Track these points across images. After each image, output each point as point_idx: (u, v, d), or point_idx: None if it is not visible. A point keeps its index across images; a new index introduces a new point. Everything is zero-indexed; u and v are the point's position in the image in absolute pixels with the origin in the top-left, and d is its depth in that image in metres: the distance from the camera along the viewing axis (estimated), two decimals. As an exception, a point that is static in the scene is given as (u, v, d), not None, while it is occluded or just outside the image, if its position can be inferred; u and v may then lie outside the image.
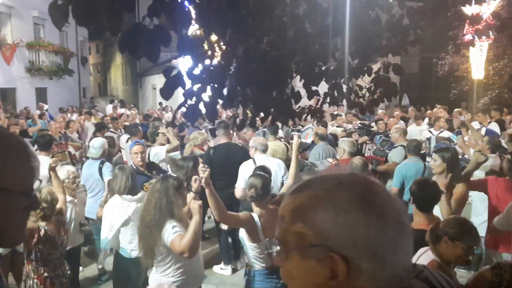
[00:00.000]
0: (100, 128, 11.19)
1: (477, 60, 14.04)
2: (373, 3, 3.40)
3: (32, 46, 21.26)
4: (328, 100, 3.29)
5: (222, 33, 2.00)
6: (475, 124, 10.76)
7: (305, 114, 3.29)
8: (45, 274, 3.94)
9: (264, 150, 6.11)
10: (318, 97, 3.25)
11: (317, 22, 3.29)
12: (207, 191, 3.67)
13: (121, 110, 18.81)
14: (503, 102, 14.03)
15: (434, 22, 3.40)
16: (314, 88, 3.18)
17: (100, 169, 6.20)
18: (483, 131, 10.14)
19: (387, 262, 0.90)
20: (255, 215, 3.93)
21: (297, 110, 3.21)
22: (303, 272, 0.94)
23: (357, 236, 0.89)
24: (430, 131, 10.17)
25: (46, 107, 18.52)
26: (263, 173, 4.60)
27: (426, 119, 12.48)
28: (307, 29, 3.31)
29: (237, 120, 2.86)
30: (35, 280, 3.91)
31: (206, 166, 3.72)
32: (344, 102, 3.73)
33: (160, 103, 22.18)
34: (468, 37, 11.65)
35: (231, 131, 7.12)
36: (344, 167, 4.88)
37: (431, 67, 20.40)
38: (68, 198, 4.76)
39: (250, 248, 3.95)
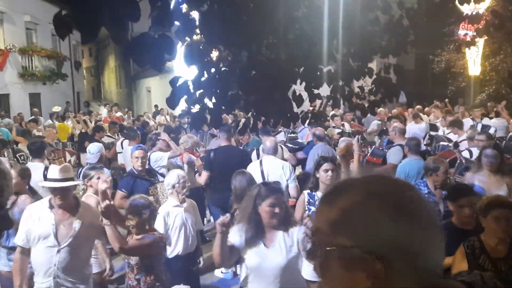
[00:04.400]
0: (96, 131, 11.14)
1: (473, 56, 14.12)
2: (372, 5, 3.38)
3: (24, 51, 21.15)
4: (330, 103, 3.27)
5: (225, 41, 1.97)
6: (468, 121, 10.80)
7: (308, 118, 3.26)
8: (148, 281, 3.92)
9: (270, 152, 6.09)
10: (321, 100, 3.23)
11: (316, 24, 3.28)
12: None
13: (117, 114, 18.75)
14: (500, 98, 14.06)
15: (433, 22, 3.39)
16: (315, 91, 3.17)
17: (97, 175, 6.16)
18: (479, 127, 10.18)
19: (419, 261, 0.95)
20: None
21: (300, 114, 3.19)
22: (345, 281, 0.97)
23: (392, 239, 0.94)
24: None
25: (58, 108, 18.44)
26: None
27: (425, 117, 12.54)
28: (307, 31, 3.30)
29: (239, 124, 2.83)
30: None
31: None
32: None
33: (156, 106, 22.11)
34: (462, 32, 11.70)
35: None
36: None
37: (427, 63, 20.42)
38: (175, 202, 4.74)
39: None
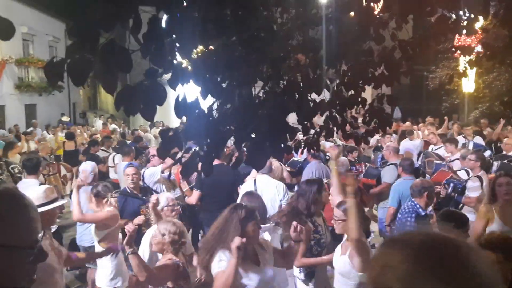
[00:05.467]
0: (92, 145, 11.11)
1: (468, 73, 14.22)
2: (365, 35, 3.41)
3: (21, 63, 21.22)
4: (324, 133, 3.28)
5: (219, 87, 1.98)
6: (461, 139, 10.82)
7: (301, 147, 3.27)
8: None
9: (265, 172, 6.03)
10: (314, 130, 3.25)
11: (309, 55, 3.31)
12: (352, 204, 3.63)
13: (112, 126, 18.74)
14: (493, 115, 14.16)
15: (426, 53, 3.43)
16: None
17: (91, 195, 6.09)
18: (470, 145, 10.20)
19: None
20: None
21: (294, 144, 3.20)
22: None
23: None
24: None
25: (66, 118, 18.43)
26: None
27: (420, 133, 12.58)
28: (301, 61, 3.33)
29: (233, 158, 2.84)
30: None
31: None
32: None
33: (151, 118, 22.05)
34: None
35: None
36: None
37: (422, 79, 20.56)
38: None
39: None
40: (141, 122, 23.62)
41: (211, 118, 1.95)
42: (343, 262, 3.83)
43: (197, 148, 1.96)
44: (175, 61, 1.73)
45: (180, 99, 1.77)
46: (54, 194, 3.82)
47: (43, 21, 23.76)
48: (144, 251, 4.36)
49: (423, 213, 5.08)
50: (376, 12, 3.36)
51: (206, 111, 1.92)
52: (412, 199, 5.22)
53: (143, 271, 3.49)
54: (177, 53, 1.79)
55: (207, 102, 1.97)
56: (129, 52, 1.56)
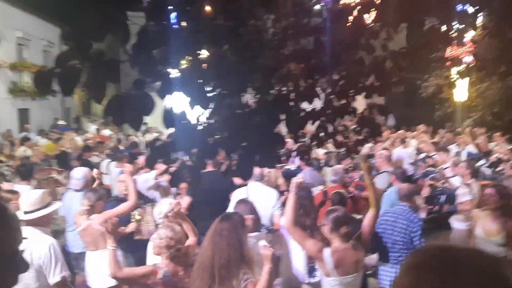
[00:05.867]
0: (84, 151, 11.07)
1: (460, 82, 14.31)
2: (356, 45, 3.43)
3: (15, 67, 21.11)
4: (315, 142, 3.29)
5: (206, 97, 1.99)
6: (454, 147, 10.90)
7: (291, 156, 3.28)
8: None
9: (257, 179, 6.04)
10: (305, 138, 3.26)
11: (301, 64, 3.32)
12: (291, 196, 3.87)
13: (105, 132, 18.65)
14: (485, 124, 14.25)
15: (416, 62, 3.46)
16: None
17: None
18: (463, 154, 10.29)
19: None
20: (327, 249, 3.83)
21: (283, 150, 3.21)
22: None
23: None
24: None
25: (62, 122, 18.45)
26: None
27: (413, 141, 12.63)
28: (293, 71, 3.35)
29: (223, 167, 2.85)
30: None
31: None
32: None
33: (145, 123, 21.98)
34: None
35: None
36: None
37: (415, 87, 20.60)
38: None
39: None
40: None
41: (200, 128, 1.96)
42: None
43: (187, 157, 1.97)
44: (163, 71, 1.75)
45: (168, 110, 1.78)
46: (49, 197, 4.09)
47: (38, 26, 23.71)
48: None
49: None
50: (368, 22, 3.39)
51: (195, 122, 1.93)
52: (403, 204, 5.24)
53: (112, 268, 3.70)
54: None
55: (197, 112, 1.99)
56: (117, 62, 1.57)
